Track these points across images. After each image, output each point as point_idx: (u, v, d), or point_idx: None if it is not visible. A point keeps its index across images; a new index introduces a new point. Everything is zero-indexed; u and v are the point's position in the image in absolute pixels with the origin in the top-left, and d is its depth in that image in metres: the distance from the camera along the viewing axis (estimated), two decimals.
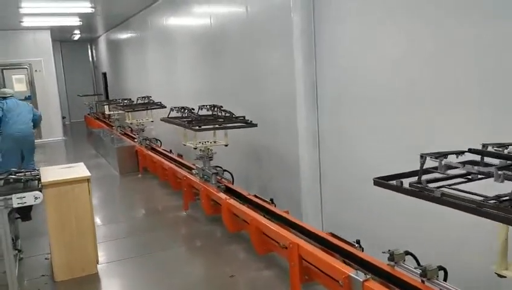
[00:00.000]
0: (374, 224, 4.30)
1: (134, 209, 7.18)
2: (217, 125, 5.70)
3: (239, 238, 5.34)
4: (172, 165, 7.43)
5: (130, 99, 9.83)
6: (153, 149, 9.16)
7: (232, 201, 5.14)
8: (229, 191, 5.66)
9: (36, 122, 8.51)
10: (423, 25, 3.61)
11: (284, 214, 4.62)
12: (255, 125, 5.49)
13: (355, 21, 4.36)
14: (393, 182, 2.36)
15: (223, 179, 5.98)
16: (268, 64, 5.87)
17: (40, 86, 14.90)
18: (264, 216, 4.68)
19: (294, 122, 5.09)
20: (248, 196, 5.32)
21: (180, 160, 7.87)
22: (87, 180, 4.46)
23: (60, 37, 17.70)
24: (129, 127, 11.84)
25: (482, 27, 3.14)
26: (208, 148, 5.98)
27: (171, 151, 8.78)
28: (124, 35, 14.78)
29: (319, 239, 3.93)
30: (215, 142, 6.09)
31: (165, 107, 8.68)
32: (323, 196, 5.08)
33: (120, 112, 10.34)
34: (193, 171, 6.41)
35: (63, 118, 16.73)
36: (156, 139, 9.67)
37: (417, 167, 2.31)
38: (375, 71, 4.17)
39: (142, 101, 9.40)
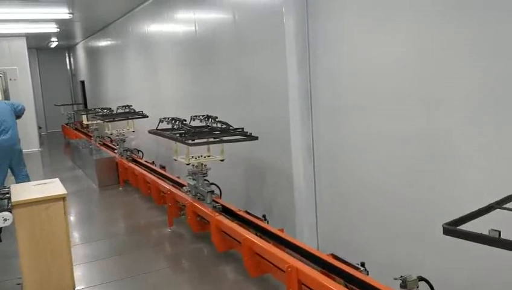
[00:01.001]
0: (378, 244, 4.00)
1: (115, 226, 6.75)
2: (212, 139, 5.11)
3: (228, 258, 5.00)
4: (156, 178, 7.05)
5: (110, 108, 9.39)
6: (135, 161, 8.74)
7: (221, 218, 4.79)
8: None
9: (20, 116, 7.89)
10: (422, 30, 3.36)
11: (279, 233, 4.30)
12: (256, 138, 4.96)
13: (352, 27, 4.10)
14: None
15: (218, 197, 5.49)
16: (259, 72, 5.57)
17: (15, 95, 14.22)
18: (257, 234, 4.35)
19: (287, 133, 4.79)
20: (238, 212, 4.98)
21: (164, 172, 7.49)
22: (62, 198, 4.07)
23: (37, 44, 17.19)
24: (109, 137, 11.39)
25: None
26: (202, 164, 5.44)
27: (153, 163, 8.39)
28: (103, 43, 14.36)
29: (319, 261, 3.62)
30: (209, 156, 5.51)
31: (147, 116, 8.35)
32: (319, 212, 4.77)
33: (99, 121, 9.88)
34: (184, 188, 5.83)
35: (39, 128, 16.13)
36: (138, 150, 9.26)
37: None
38: (374, 79, 3.91)
39: (123, 111, 8.97)
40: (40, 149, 14.70)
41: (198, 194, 5.42)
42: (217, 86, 6.76)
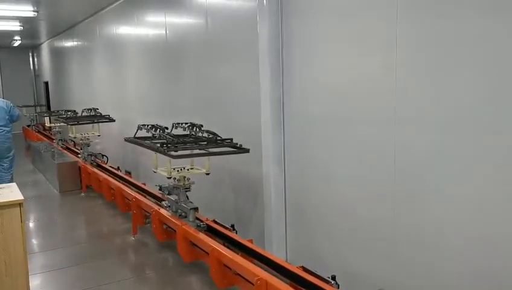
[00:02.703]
0: (348, 255, 3.96)
1: (76, 234, 6.47)
2: (197, 151, 4.60)
3: (195, 268, 4.86)
4: (120, 185, 6.82)
5: (75, 111, 9.01)
6: (99, 166, 8.45)
7: (188, 227, 4.64)
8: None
9: (15, 121, 7.90)
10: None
11: (248, 244, 4.19)
12: (247, 150, 4.53)
13: (325, 38, 4.07)
14: None
15: (201, 215, 5.04)
16: (231, 79, 5.48)
17: None
18: (225, 245, 4.23)
19: (259, 142, 4.71)
20: (206, 221, 4.85)
21: (129, 179, 7.27)
22: (19, 204, 3.82)
23: None
24: (72, 141, 11.01)
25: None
26: (185, 177, 4.91)
27: (118, 169, 8.13)
28: (69, 43, 13.95)
29: (289, 274, 3.53)
30: (192, 168, 4.95)
31: (114, 120, 8.11)
32: (289, 222, 4.70)
33: (62, 124, 9.52)
34: (163, 203, 5.32)
35: None
36: (102, 155, 8.97)
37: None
38: (348, 88, 3.88)
39: (88, 114, 8.63)
40: None
41: (179, 211, 4.95)
42: (188, 92, 6.63)
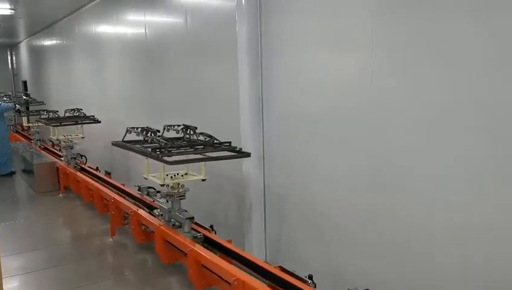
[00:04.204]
0: (326, 256, 3.99)
1: (53, 235, 6.36)
2: (192, 156, 4.26)
3: (174, 269, 4.82)
4: (99, 185, 6.74)
5: (57, 111, 8.76)
6: (81, 168, 8.30)
7: (166, 227, 4.61)
8: None
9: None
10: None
11: (226, 244, 4.18)
12: (248, 154, 4.32)
13: (304, 38, 4.10)
14: None
15: (207, 230, 4.61)
16: (210, 78, 5.47)
17: None
18: (203, 245, 4.21)
19: (238, 141, 4.71)
20: None
21: (109, 179, 7.18)
22: None
23: None
24: (50, 141, 10.81)
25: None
26: (179, 184, 4.56)
27: (97, 169, 8.03)
28: (48, 42, 13.74)
29: (266, 274, 3.54)
30: (186, 174, 4.62)
31: (100, 121, 7.88)
32: (268, 222, 4.71)
33: (40, 124, 9.34)
34: (155, 211, 4.97)
35: None
36: (81, 155, 8.83)
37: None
38: (326, 87, 3.92)
39: (71, 114, 8.29)
40: None
41: (173, 220, 4.60)
42: (167, 91, 6.59)
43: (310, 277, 3.33)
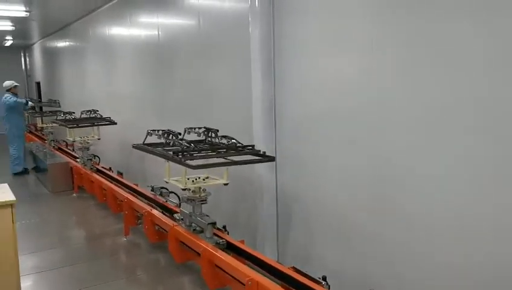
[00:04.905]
0: (340, 258, 3.99)
1: (67, 235, 6.46)
2: (215, 160, 4.09)
3: (186, 269, 4.86)
4: (112, 185, 6.81)
5: (73, 112, 8.81)
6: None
7: (180, 228, 4.65)
8: None
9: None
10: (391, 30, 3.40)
11: (239, 244, 4.21)
12: (273, 158, 4.24)
13: (317, 39, 4.11)
14: None
15: (220, 230, 4.56)
16: (223, 80, 5.50)
17: None
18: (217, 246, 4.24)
19: (250, 142, 4.72)
20: None
21: (121, 179, 7.25)
22: (10, 205, 3.81)
23: None
24: (64, 141, 10.93)
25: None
26: (200, 188, 4.50)
27: (110, 169, 8.11)
28: (61, 44, 13.88)
29: (280, 274, 3.55)
30: (207, 177, 4.50)
31: (116, 123, 7.90)
32: (280, 223, 4.72)
33: (54, 125, 9.44)
34: (175, 216, 4.88)
35: None
36: (94, 155, 8.92)
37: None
38: (333, 93, 3.93)
39: (88, 116, 8.29)
40: None
41: (194, 225, 4.50)
42: (178, 93, 6.63)
43: (324, 278, 3.34)
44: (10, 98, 10.06)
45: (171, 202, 5.53)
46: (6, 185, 4.36)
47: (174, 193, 5.55)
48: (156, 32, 7.18)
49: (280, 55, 4.50)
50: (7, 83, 10.26)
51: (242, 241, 4.37)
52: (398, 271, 3.43)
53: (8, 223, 3.81)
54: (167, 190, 5.58)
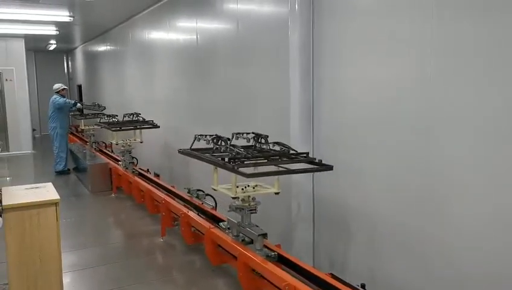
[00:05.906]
0: (378, 264, 3.91)
1: (105, 234, 6.61)
2: (267, 168, 3.83)
3: (222, 272, 4.88)
4: (150, 187, 6.93)
5: (116, 115, 8.97)
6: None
7: (216, 231, 4.67)
8: (212, 217, 5.20)
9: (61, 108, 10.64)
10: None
11: (276, 249, 4.18)
12: (331, 167, 3.87)
13: (357, 44, 4.05)
14: None
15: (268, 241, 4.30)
16: (261, 84, 5.50)
17: (10, 96, 14.20)
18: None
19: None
20: None
21: (158, 181, 7.37)
22: (55, 204, 3.94)
23: (35, 46, 17.07)
24: (103, 143, 11.22)
25: None
26: (250, 197, 4.23)
27: (148, 171, 8.26)
28: (102, 48, 14.28)
29: (318, 280, 3.51)
30: (256, 185, 4.21)
31: (158, 126, 7.94)
32: (317, 228, 4.67)
33: (96, 127, 9.70)
34: (221, 224, 4.69)
35: (33, 130, 15.95)
36: (132, 157, 9.10)
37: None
38: (374, 98, 3.86)
39: (130, 119, 8.36)
40: (33, 152, 14.52)
41: (242, 235, 4.28)
42: (217, 96, 6.68)
43: (363, 286, 3.28)
44: (59, 98, 10.64)
45: (207, 204, 5.57)
46: (50, 184, 4.51)
47: (210, 196, 5.58)
48: (195, 37, 7.28)
49: (319, 59, 4.46)
50: (57, 86, 10.85)
51: (278, 246, 4.34)
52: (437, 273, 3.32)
53: (53, 221, 3.93)
54: (203, 192, 5.63)
